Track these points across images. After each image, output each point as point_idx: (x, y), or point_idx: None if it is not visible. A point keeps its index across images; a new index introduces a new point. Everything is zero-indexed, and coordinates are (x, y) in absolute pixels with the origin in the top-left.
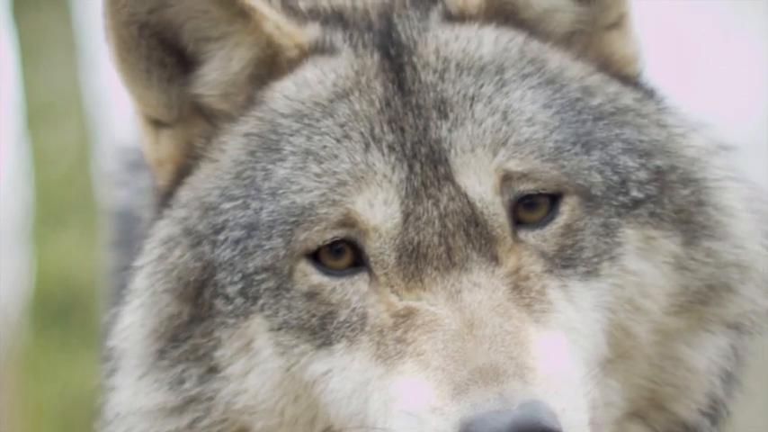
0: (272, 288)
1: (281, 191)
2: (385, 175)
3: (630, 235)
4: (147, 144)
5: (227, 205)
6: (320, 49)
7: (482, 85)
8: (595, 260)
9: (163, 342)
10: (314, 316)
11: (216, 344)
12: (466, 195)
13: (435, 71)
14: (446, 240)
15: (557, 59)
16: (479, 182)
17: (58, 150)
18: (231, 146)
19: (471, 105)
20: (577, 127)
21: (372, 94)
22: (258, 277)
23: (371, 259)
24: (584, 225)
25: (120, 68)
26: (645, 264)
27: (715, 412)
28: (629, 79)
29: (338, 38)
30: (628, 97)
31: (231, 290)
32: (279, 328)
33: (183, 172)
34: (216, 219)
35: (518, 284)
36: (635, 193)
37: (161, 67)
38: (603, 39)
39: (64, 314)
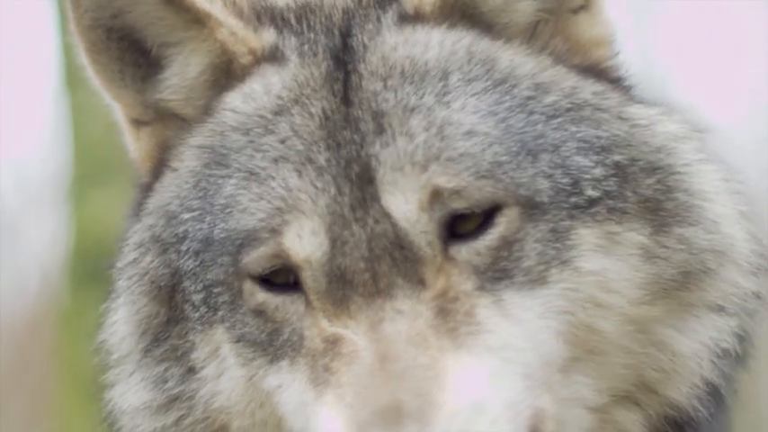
0: (228, 302)
1: (228, 209)
2: (314, 202)
3: (586, 235)
4: (129, 141)
5: (186, 216)
6: (271, 57)
7: (423, 95)
8: (541, 268)
9: (147, 340)
10: (263, 332)
11: (191, 346)
12: (390, 216)
13: (380, 79)
14: (372, 266)
15: (508, 57)
16: (405, 200)
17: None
18: (188, 155)
19: (408, 118)
20: (525, 132)
21: (313, 107)
22: (215, 290)
23: (305, 285)
24: (525, 235)
25: (94, 70)
26: (606, 260)
27: (710, 396)
28: (593, 69)
29: (291, 44)
30: (586, 91)
31: (196, 298)
32: (237, 341)
33: (157, 173)
34: (178, 228)
35: (444, 308)
36: (590, 192)
37: (135, 67)
38: (570, 24)
39: (102, 272)
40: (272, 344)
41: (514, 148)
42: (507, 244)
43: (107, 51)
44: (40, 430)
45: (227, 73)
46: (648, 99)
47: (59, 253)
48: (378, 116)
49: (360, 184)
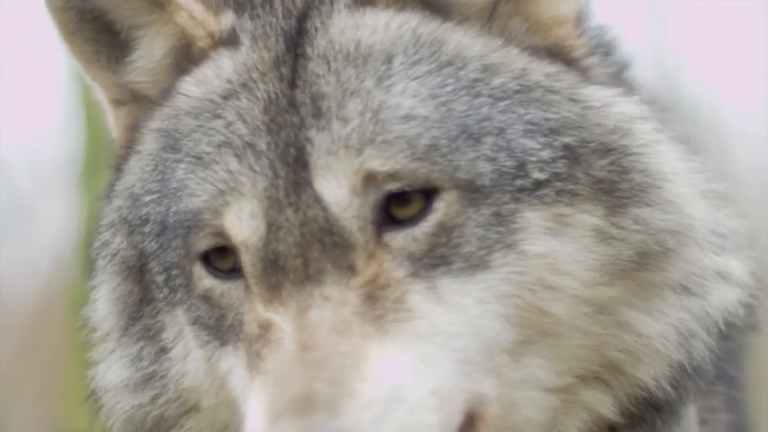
0: (183, 285)
1: (179, 193)
2: (253, 186)
3: (532, 218)
4: (111, 121)
5: (147, 198)
6: (228, 41)
7: (364, 79)
8: (483, 252)
9: (124, 319)
10: (211, 317)
11: (161, 326)
12: (322, 200)
13: (324, 63)
14: (304, 251)
15: (456, 39)
16: (338, 185)
17: None
18: (148, 138)
19: (346, 102)
20: (468, 115)
21: (259, 91)
22: (173, 272)
23: (244, 268)
24: (465, 220)
25: (71, 51)
26: (556, 242)
27: (682, 378)
28: (552, 49)
29: (247, 28)
30: (537, 73)
31: (159, 279)
32: (194, 323)
33: (126, 154)
34: (141, 210)
35: (373, 294)
36: (537, 175)
37: (110, 48)
38: (530, 3)
39: None
40: (219, 328)
41: (454, 132)
42: (445, 230)
43: (81, 32)
44: (51, 411)
45: (187, 56)
46: (606, 80)
47: (71, 236)
48: (317, 99)
49: (295, 168)
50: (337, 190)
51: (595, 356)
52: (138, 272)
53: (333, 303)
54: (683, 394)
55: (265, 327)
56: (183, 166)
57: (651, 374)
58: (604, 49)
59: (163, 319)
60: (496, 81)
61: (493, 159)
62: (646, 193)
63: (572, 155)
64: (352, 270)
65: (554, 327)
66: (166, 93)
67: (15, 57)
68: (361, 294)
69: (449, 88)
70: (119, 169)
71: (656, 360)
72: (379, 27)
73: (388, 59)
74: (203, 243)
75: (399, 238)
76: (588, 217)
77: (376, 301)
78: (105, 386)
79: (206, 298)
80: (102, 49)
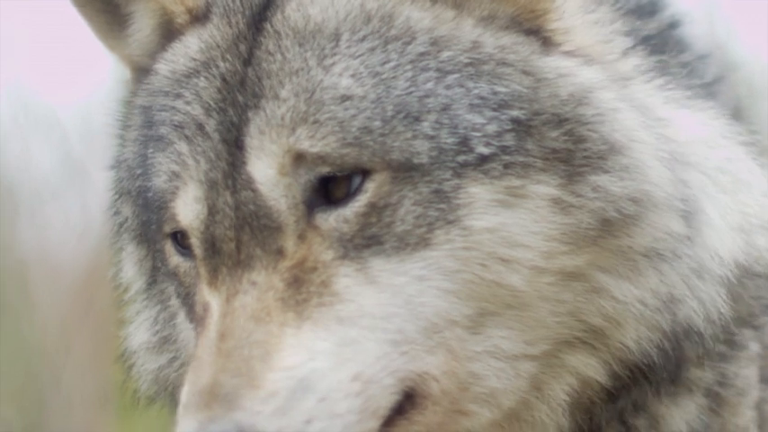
0: (165, 259)
1: (152, 170)
2: (197, 169)
3: (477, 192)
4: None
5: (138, 171)
6: (200, 17)
7: (307, 57)
8: (422, 230)
9: (145, 281)
10: (181, 293)
11: (170, 292)
12: (253, 181)
13: (277, 40)
14: (237, 235)
15: (407, 12)
16: (268, 165)
17: None
18: (135, 113)
19: (286, 81)
20: (409, 93)
21: (218, 69)
22: (157, 246)
23: (193, 251)
24: (400, 199)
25: (85, 21)
26: (509, 214)
27: (672, 342)
28: (514, 17)
29: (220, 3)
30: (490, 45)
31: (157, 248)
32: (177, 296)
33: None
34: (134, 183)
35: (299, 278)
36: (481, 149)
37: (117, 19)
38: None
39: None
40: (187, 303)
41: (390, 112)
42: (377, 210)
43: (91, 3)
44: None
45: (169, 32)
46: (567, 49)
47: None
48: (263, 78)
49: (233, 149)
50: (267, 170)
51: (575, 322)
52: (145, 239)
53: (258, 289)
54: (676, 358)
55: (206, 310)
56: (152, 143)
57: (634, 338)
58: (647, 8)
59: (168, 286)
60: (445, 54)
61: (433, 137)
62: (603, 160)
63: (522, 128)
64: (280, 253)
65: (516, 298)
66: (149, 69)
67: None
68: (286, 278)
69: (392, 64)
70: (122, 139)
71: (636, 324)
72: (331, 2)
73: (336, 37)
74: (167, 225)
75: (331, 220)
76: (544, 187)
77: (301, 285)
78: (132, 348)
79: (175, 275)
80: (115, 20)
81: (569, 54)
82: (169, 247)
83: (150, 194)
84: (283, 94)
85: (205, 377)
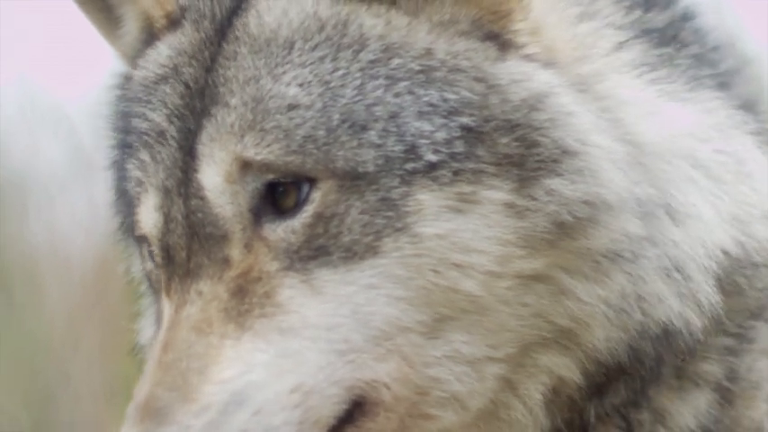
0: (142, 262)
1: (126, 176)
2: (156, 176)
3: (426, 200)
4: None
5: (120, 174)
6: (174, 21)
7: (260, 66)
8: (369, 239)
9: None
10: (155, 299)
11: None
12: (202, 189)
13: (237, 47)
14: (188, 243)
15: (360, 20)
16: (216, 172)
17: None
18: (115, 118)
19: (238, 89)
20: (357, 101)
21: (183, 75)
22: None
23: (154, 258)
24: (347, 208)
25: (87, 18)
26: (460, 221)
27: (645, 340)
28: (475, 21)
29: (194, 8)
30: (443, 51)
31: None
32: (152, 300)
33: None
34: (121, 185)
35: (243, 288)
36: (430, 157)
37: (113, 19)
38: None
39: None
40: (156, 308)
41: (336, 121)
42: (323, 220)
43: (90, 2)
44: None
45: (150, 37)
46: (526, 53)
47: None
48: (219, 85)
49: (187, 157)
50: (214, 177)
51: (543, 324)
52: (143, 237)
53: (203, 299)
54: (653, 356)
55: (162, 319)
56: (125, 150)
57: (603, 339)
58: (659, 1)
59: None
60: (396, 62)
61: (379, 145)
62: (557, 164)
63: (472, 134)
64: (226, 263)
65: (474, 303)
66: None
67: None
68: (231, 288)
69: (340, 72)
70: (111, 141)
71: (603, 325)
72: (286, 10)
73: (289, 45)
74: (135, 230)
75: (279, 231)
76: (496, 192)
77: (245, 295)
78: (141, 342)
79: (148, 279)
80: (110, 17)
81: (528, 57)
82: (143, 251)
83: (127, 199)
84: (233, 101)
85: (144, 390)
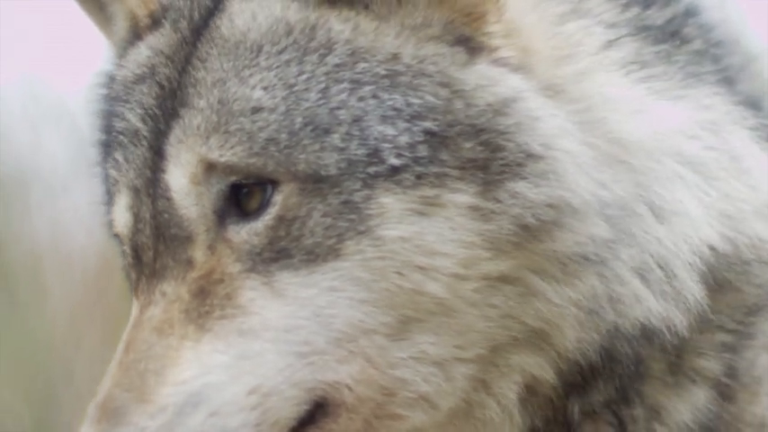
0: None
1: (105, 173)
2: (127, 177)
3: (389, 203)
4: None
5: (107, 164)
6: (156, 21)
7: (229, 69)
8: (332, 241)
9: None
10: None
11: None
12: (169, 189)
13: (209, 48)
14: (155, 243)
15: (329, 24)
16: (182, 174)
17: None
18: (99, 117)
19: (206, 91)
20: (320, 105)
21: (158, 76)
22: None
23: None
24: (309, 211)
25: (87, 16)
26: (424, 224)
27: (620, 341)
28: (447, 24)
29: (176, 6)
30: (409, 56)
31: None
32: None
33: None
34: (104, 181)
35: (205, 290)
36: (393, 161)
37: (111, 18)
38: None
39: None
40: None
41: (298, 124)
42: (285, 222)
43: (88, 1)
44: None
45: (135, 36)
46: (499, 58)
47: None
48: (189, 86)
49: (157, 158)
50: (180, 179)
51: (514, 324)
52: (117, 236)
53: (166, 300)
54: (631, 355)
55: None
56: (104, 149)
57: (574, 339)
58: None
59: None
60: (361, 66)
61: (342, 149)
62: (521, 167)
63: (436, 139)
64: (190, 264)
65: (440, 306)
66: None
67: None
68: (193, 290)
69: (305, 76)
70: (97, 140)
71: (575, 326)
72: (256, 14)
73: (257, 48)
74: (112, 229)
75: (243, 233)
76: (461, 196)
77: (206, 297)
78: None
79: (127, 278)
80: (105, 16)
81: (498, 61)
82: (123, 249)
83: (107, 198)
84: (200, 104)
85: (103, 390)
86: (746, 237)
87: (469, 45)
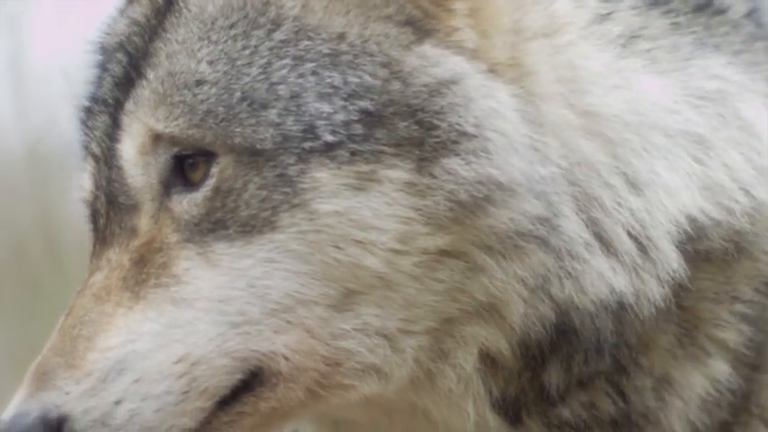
0: None
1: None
2: (92, 143)
3: (323, 178)
4: None
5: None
6: None
7: (182, 41)
8: (267, 214)
9: None
10: None
11: None
12: (121, 158)
13: (174, 19)
14: (107, 211)
15: (282, 1)
16: (131, 144)
17: None
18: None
19: (159, 63)
20: (260, 80)
21: (129, 45)
22: None
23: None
24: (244, 183)
25: None
26: (360, 199)
27: (573, 317)
28: (401, 8)
29: None
30: (354, 35)
31: None
32: None
33: None
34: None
35: (144, 258)
36: (328, 137)
37: None
38: None
39: None
40: None
41: (236, 98)
42: (221, 194)
43: None
44: None
45: (127, 4)
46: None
47: None
48: (149, 56)
49: (115, 127)
50: (130, 149)
51: (462, 298)
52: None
53: (109, 266)
54: (602, 329)
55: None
56: (83, 116)
57: (522, 314)
58: None
59: None
60: (305, 44)
61: (279, 124)
62: (455, 144)
63: (371, 118)
64: (134, 232)
65: (380, 279)
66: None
67: None
68: (134, 258)
69: (249, 51)
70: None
71: (521, 302)
72: None
73: (212, 22)
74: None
75: (184, 203)
76: (396, 172)
77: (144, 265)
78: None
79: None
80: None
81: (445, 44)
82: None
83: None
84: (152, 75)
85: (39, 357)
86: (750, 205)
87: (418, 26)
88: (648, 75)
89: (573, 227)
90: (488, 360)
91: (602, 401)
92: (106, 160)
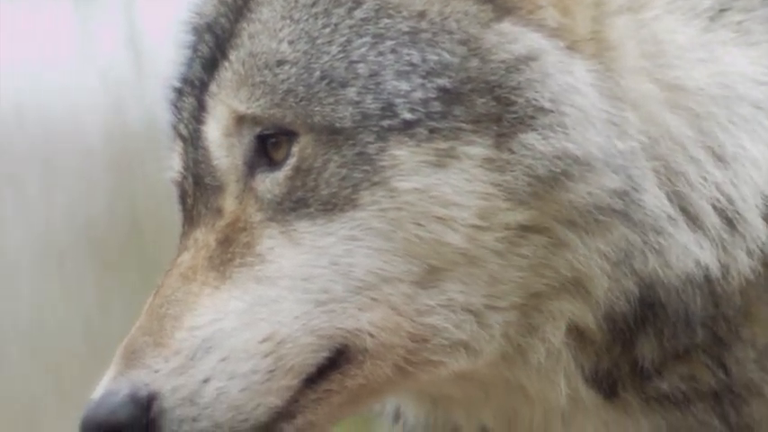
0: None
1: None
2: (180, 125)
3: (401, 155)
4: None
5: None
6: None
7: (265, 20)
8: (347, 192)
9: None
10: None
11: None
12: (206, 140)
13: (255, 3)
14: (194, 192)
15: None
16: (215, 126)
17: None
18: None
19: (241, 44)
20: (340, 59)
21: (216, 27)
22: None
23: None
24: (325, 162)
25: None
26: (440, 176)
27: (658, 292)
28: None
29: None
30: (434, 13)
31: None
32: None
33: None
34: None
35: (229, 238)
36: (407, 115)
37: None
38: None
39: None
40: None
41: (315, 78)
42: (302, 172)
43: None
44: None
45: None
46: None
47: None
48: (233, 38)
49: (201, 109)
50: (214, 131)
51: (548, 273)
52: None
53: (196, 247)
54: (690, 303)
55: None
56: (173, 96)
57: (605, 289)
58: None
59: None
60: (385, 21)
61: (357, 102)
62: (532, 119)
63: (449, 95)
64: (219, 212)
65: (463, 256)
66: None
67: None
68: (219, 238)
69: (329, 29)
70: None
71: (607, 276)
72: None
73: (296, 1)
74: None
75: (267, 182)
76: (474, 148)
77: (230, 244)
78: None
79: None
80: None
81: (525, 21)
82: None
83: None
84: (234, 56)
85: (129, 335)
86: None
87: (499, 4)
88: (738, 47)
89: (655, 201)
90: (577, 334)
91: (701, 374)
92: (193, 142)
